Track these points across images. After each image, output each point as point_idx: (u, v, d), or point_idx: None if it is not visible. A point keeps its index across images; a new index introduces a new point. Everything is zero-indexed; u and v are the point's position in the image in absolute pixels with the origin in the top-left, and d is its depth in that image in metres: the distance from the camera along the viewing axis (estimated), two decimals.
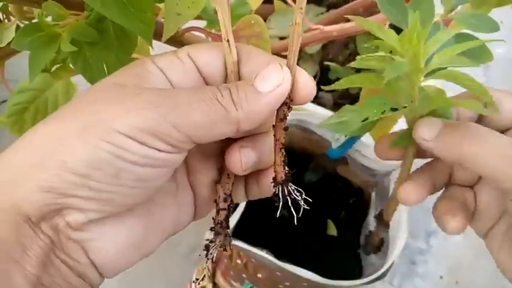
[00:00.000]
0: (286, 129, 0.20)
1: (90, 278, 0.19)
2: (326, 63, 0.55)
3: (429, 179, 0.25)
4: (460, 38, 0.28)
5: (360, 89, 0.40)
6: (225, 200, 0.21)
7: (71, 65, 0.31)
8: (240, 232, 0.48)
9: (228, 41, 0.19)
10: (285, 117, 0.20)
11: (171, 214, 0.22)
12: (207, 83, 0.20)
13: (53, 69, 0.37)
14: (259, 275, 0.51)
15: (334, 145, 0.39)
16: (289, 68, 0.19)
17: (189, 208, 0.22)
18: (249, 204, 0.48)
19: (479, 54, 0.30)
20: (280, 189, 0.20)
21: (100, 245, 0.19)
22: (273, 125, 0.20)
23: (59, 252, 0.18)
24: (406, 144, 0.24)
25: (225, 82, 0.20)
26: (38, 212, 0.17)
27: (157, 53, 0.37)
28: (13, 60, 0.40)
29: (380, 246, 0.28)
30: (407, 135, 0.23)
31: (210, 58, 0.20)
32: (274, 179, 0.20)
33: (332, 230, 0.59)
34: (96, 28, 0.28)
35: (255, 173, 0.22)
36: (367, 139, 0.47)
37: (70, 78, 0.38)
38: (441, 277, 0.72)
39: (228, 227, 0.22)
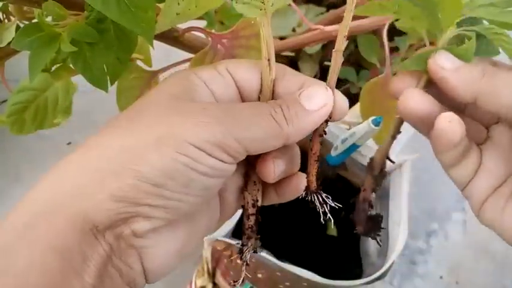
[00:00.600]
0: (321, 143, 0.22)
1: (136, 284, 0.20)
2: (326, 63, 0.55)
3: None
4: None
5: (360, 89, 0.40)
6: (253, 206, 0.23)
7: (71, 65, 0.31)
8: (240, 232, 0.48)
9: (268, 60, 0.21)
10: (324, 133, 0.22)
11: (206, 219, 0.23)
12: (242, 97, 0.22)
13: (53, 69, 0.37)
14: (259, 275, 0.51)
15: (333, 153, 0.39)
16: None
17: (217, 213, 0.24)
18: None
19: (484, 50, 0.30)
20: (315, 197, 0.22)
21: (154, 251, 0.20)
22: (311, 139, 0.22)
23: (115, 260, 0.18)
24: (420, 69, 0.22)
25: (259, 98, 0.22)
26: (107, 220, 0.17)
27: (157, 53, 0.37)
28: (13, 60, 0.40)
29: (378, 225, 0.27)
30: (423, 59, 0.22)
31: (248, 74, 0.22)
32: (308, 187, 0.22)
33: (332, 230, 0.59)
34: (96, 28, 0.28)
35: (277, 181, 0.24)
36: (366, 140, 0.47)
37: (70, 78, 0.38)
38: (441, 277, 0.72)
39: (257, 231, 0.23)
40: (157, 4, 0.30)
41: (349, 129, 0.40)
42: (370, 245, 0.55)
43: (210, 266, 0.60)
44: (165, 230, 0.20)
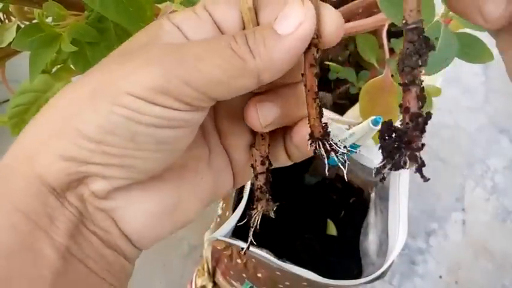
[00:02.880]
0: (318, 75, 0.17)
1: (123, 250, 0.18)
2: (326, 63, 0.55)
3: None
4: (461, 37, 0.27)
5: (359, 89, 0.40)
6: (262, 163, 0.20)
7: (71, 66, 0.31)
8: (240, 232, 0.48)
9: None
10: (315, 61, 0.17)
11: (206, 180, 0.20)
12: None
13: (54, 70, 0.37)
14: (259, 275, 0.51)
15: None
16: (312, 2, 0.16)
17: (227, 174, 0.21)
18: (249, 203, 0.48)
19: (480, 54, 0.29)
20: (320, 145, 0.17)
21: (128, 213, 0.18)
22: (302, 73, 0.17)
23: (88, 223, 0.17)
24: None
25: None
26: (60, 181, 0.16)
27: None
28: (14, 60, 0.40)
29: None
30: None
31: (227, 9, 0.18)
32: (311, 134, 0.17)
33: (332, 230, 0.59)
34: (97, 28, 0.28)
35: (289, 131, 0.20)
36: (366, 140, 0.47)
37: (71, 79, 0.38)
38: (440, 277, 0.72)
39: (269, 192, 0.20)
40: (157, 4, 0.30)
41: (348, 129, 0.40)
42: (370, 244, 0.55)
43: (210, 266, 0.60)
44: (136, 190, 0.18)
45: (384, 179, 0.16)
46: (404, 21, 0.16)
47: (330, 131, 0.18)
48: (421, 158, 0.15)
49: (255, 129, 0.19)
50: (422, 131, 0.16)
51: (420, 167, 0.16)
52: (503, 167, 0.88)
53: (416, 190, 0.82)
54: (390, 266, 0.45)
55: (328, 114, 0.51)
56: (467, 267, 0.73)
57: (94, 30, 0.28)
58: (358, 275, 0.52)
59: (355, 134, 0.35)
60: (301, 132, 0.19)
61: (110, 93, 0.16)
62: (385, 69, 0.38)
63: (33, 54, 0.29)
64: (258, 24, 0.18)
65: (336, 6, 0.53)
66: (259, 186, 0.20)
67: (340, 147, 0.17)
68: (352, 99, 0.56)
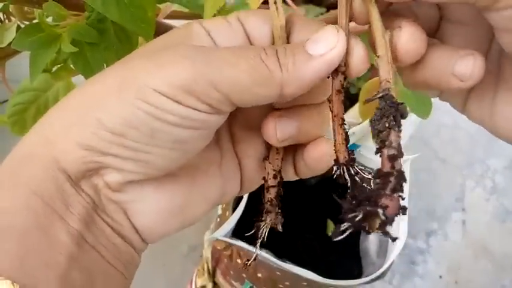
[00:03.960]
0: (349, 100, 0.19)
1: (132, 242, 0.18)
2: None
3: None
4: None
5: (359, 89, 0.40)
6: (274, 177, 0.20)
7: (71, 65, 0.31)
8: (240, 232, 0.48)
9: (275, 2, 0.18)
10: (342, 88, 0.18)
11: (216, 183, 0.20)
12: None
13: (54, 69, 0.37)
14: (259, 275, 0.51)
15: None
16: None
17: (235, 180, 0.21)
18: (249, 203, 0.48)
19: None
20: (344, 170, 0.18)
21: (140, 208, 0.18)
22: (329, 99, 0.18)
23: (101, 213, 0.17)
24: None
25: None
26: (76, 169, 0.16)
27: None
28: (14, 60, 0.40)
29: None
30: None
31: (259, 22, 0.18)
32: (336, 160, 0.18)
33: (332, 230, 0.59)
34: (97, 28, 0.28)
35: (301, 149, 0.20)
36: (366, 141, 0.47)
37: (71, 79, 0.38)
38: (440, 277, 0.72)
39: (278, 205, 0.20)
40: (157, 4, 0.30)
41: (349, 129, 0.40)
42: (370, 244, 0.55)
43: (210, 266, 0.60)
44: (149, 186, 0.18)
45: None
46: (377, 91, 0.17)
47: (355, 157, 0.18)
48: (386, 217, 0.15)
49: (270, 142, 0.19)
50: (395, 190, 0.15)
51: (383, 224, 0.15)
52: (503, 167, 0.88)
53: (416, 190, 0.82)
54: (390, 266, 0.45)
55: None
56: (467, 267, 0.73)
57: (94, 31, 0.28)
58: (358, 275, 0.52)
59: (355, 134, 0.35)
60: (314, 152, 0.20)
61: (136, 88, 0.16)
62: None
63: (33, 54, 0.29)
64: (288, 43, 0.18)
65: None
66: (269, 199, 0.20)
67: (365, 174, 0.17)
68: (352, 99, 0.56)
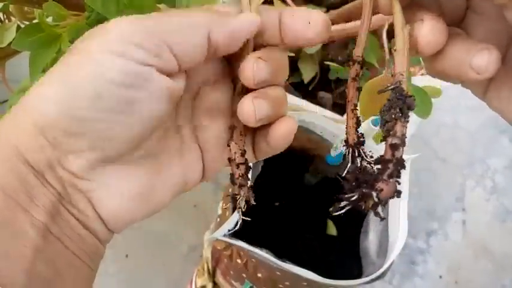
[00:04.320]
0: (358, 89, 0.21)
1: (97, 232, 0.19)
2: (326, 63, 0.55)
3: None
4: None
5: (360, 89, 0.40)
6: (242, 155, 0.21)
7: None
8: (240, 232, 0.48)
9: None
10: (357, 76, 0.20)
11: (178, 171, 0.21)
12: None
13: None
14: (259, 275, 0.51)
15: (333, 153, 0.39)
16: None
17: (197, 168, 0.22)
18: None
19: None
20: (351, 151, 0.20)
21: (104, 195, 0.18)
22: (346, 86, 0.21)
23: (66, 204, 0.18)
24: None
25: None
26: (36, 157, 0.17)
27: None
28: (14, 60, 0.40)
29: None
30: None
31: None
32: (346, 141, 0.20)
33: (332, 230, 0.59)
34: None
35: (263, 129, 0.22)
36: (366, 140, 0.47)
37: None
38: (440, 277, 0.72)
39: (249, 180, 0.21)
40: (157, 5, 0.30)
41: None
42: (370, 244, 0.55)
43: (210, 266, 0.60)
44: (110, 169, 0.18)
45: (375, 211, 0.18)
46: (390, 84, 0.19)
47: (363, 140, 0.20)
48: (378, 199, 0.17)
49: (247, 123, 0.20)
50: (392, 175, 0.17)
51: (375, 205, 0.17)
52: (503, 167, 0.88)
53: (416, 190, 0.82)
54: (390, 266, 0.45)
55: (327, 114, 0.51)
56: (467, 267, 0.73)
57: None
58: (358, 275, 0.52)
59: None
60: (281, 129, 0.21)
61: (81, 53, 0.17)
62: (385, 69, 0.38)
63: (33, 54, 0.29)
64: None
65: (336, 6, 0.53)
66: (240, 175, 0.21)
67: (367, 157, 0.19)
68: None
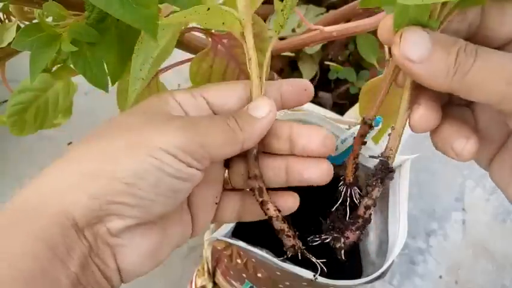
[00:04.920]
0: (364, 143, 0.25)
1: (113, 282, 0.22)
2: (326, 63, 0.55)
3: (432, 99, 0.22)
4: None
5: (359, 89, 0.40)
6: (279, 211, 0.26)
7: (71, 65, 0.31)
8: (240, 232, 0.48)
9: (260, 78, 0.25)
10: (365, 135, 0.24)
11: (179, 229, 0.25)
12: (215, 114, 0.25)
13: (54, 69, 0.37)
14: (259, 275, 0.51)
15: (333, 153, 0.39)
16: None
17: (188, 228, 0.26)
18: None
19: None
20: (345, 189, 0.24)
21: (127, 251, 0.22)
22: (355, 138, 0.25)
23: (94, 257, 0.21)
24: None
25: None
26: (84, 217, 0.20)
27: None
28: (14, 60, 0.40)
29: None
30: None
31: (217, 95, 0.25)
32: (344, 179, 0.25)
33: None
34: (97, 28, 0.28)
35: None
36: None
37: (71, 78, 0.38)
38: (440, 277, 0.72)
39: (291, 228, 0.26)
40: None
41: (348, 129, 0.40)
42: (370, 244, 0.55)
43: (210, 266, 0.60)
44: (137, 230, 0.22)
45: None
46: (380, 153, 0.23)
47: (357, 183, 0.24)
48: (344, 244, 0.24)
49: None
50: (358, 228, 0.23)
51: (338, 250, 0.24)
52: None
53: (416, 190, 0.82)
54: (390, 266, 0.45)
55: (327, 114, 0.51)
56: (467, 267, 0.73)
57: (94, 31, 0.28)
58: (358, 275, 0.52)
59: (355, 134, 0.35)
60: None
61: (146, 146, 0.21)
62: (385, 69, 0.38)
63: (33, 54, 0.29)
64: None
65: (336, 6, 0.53)
66: (288, 228, 0.26)
67: (357, 198, 0.24)
68: (352, 99, 0.56)
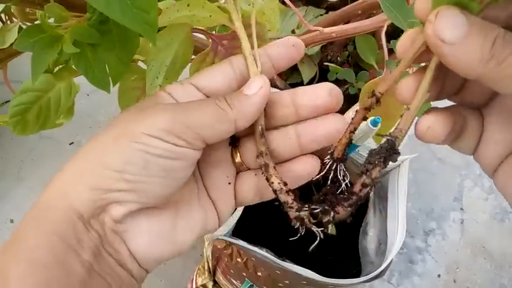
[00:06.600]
0: (365, 118, 0.23)
1: (131, 269, 0.22)
2: (325, 64, 0.56)
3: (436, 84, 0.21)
4: None
5: (359, 90, 0.40)
6: (285, 184, 0.23)
7: (73, 66, 0.32)
8: (240, 231, 0.48)
9: (254, 59, 0.24)
10: (370, 108, 0.22)
11: (197, 213, 0.25)
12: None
13: (56, 70, 0.38)
14: (259, 274, 0.51)
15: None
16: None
17: (212, 212, 0.26)
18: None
19: None
20: (331, 164, 0.22)
21: (136, 234, 0.22)
22: (356, 110, 0.23)
23: (105, 245, 0.22)
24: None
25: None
26: (87, 208, 0.21)
27: None
28: (16, 61, 0.40)
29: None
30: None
31: (207, 80, 0.25)
32: (331, 153, 0.23)
33: (331, 229, 0.59)
34: (98, 30, 0.28)
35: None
36: (366, 139, 0.47)
37: (72, 79, 0.38)
38: (439, 276, 0.73)
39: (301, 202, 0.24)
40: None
41: None
42: (369, 243, 0.55)
43: (210, 265, 0.60)
44: (143, 215, 0.22)
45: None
46: (389, 132, 0.21)
47: (346, 159, 0.23)
48: (332, 219, 0.21)
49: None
50: (351, 205, 0.21)
51: (326, 223, 0.21)
52: None
53: (415, 189, 0.82)
54: (389, 265, 0.45)
55: None
56: (465, 266, 0.73)
57: (95, 32, 0.28)
58: (357, 273, 0.53)
59: (354, 134, 0.35)
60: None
61: (130, 134, 0.21)
62: (384, 70, 0.38)
63: (35, 55, 0.29)
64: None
65: (336, 7, 0.53)
66: (293, 199, 0.23)
67: (341, 177, 0.22)
68: (352, 100, 0.57)
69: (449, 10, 0.17)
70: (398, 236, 0.47)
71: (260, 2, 0.29)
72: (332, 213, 0.21)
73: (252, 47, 0.25)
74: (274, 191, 0.23)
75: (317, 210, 0.21)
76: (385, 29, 0.38)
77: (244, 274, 0.54)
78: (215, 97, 0.23)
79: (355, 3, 0.43)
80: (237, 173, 0.27)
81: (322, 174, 0.22)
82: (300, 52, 0.25)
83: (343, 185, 0.22)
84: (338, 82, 0.56)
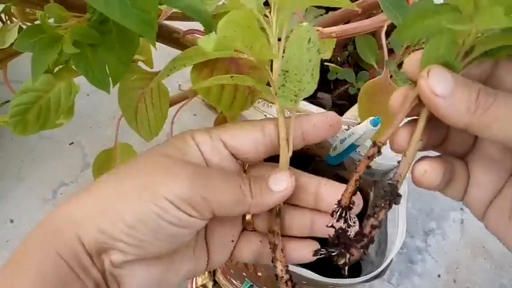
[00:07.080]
0: (369, 167, 0.24)
1: None
2: (325, 64, 0.56)
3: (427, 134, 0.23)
4: None
5: (358, 89, 0.40)
6: (287, 272, 0.26)
7: (73, 66, 0.32)
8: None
9: (287, 140, 0.25)
10: (372, 158, 0.24)
11: (189, 263, 0.27)
12: (236, 157, 0.26)
13: (56, 70, 0.38)
14: (259, 274, 0.51)
15: (332, 153, 0.39)
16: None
17: (204, 261, 0.27)
18: None
19: None
20: (339, 211, 0.24)
21: (130, 280, 0.24)
22: (359, 160, 0.25)
23: (102, 286, 0.23)
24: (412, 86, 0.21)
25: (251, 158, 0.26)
26: (92, 246, 0.22)
27: (159, 55, 0.37)
28: (16, 61, 0.40)
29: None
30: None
31: (235, 139, 0.25)
32: (339, 201, 0.24)
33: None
34: (98, 30, 0.29)
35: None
36: (365, 140, 0.47)
37: (72, 79, 0.38)
38: (439, 276, 0.73)
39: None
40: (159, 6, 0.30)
41: (347, 129, 0.40)
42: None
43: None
44: (138, 264, 0.24)
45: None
46: (389, 178, 0.23)
47: (352, 207, 0.24)
48: (348, 261, 0.23)
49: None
50: (363, 247, 0.23)
51: (343, 265, 0.23)
52: None
53: (414, 189, 0.82)
54: (389, 265, 0.45)
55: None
56: (465, 266, 0.73)
57: (95, 32, 0.28)
58: (357, 273, 0.53)
59: (354, 134, 0.35)
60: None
61: (152, 194, 0.22)
62: (384, 70, 0.38)
63: (35, 56, 0.29)
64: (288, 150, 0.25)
65: (336, 8, 0.53)
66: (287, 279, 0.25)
67: (350, 223, 0.24)
68: (351, 100, 0.57)
69: (438, 67, 0.19)
70: (399, 236, 0.47)
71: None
72: (348, 256, 0.23)
73: (288, 127, 0.25)
74: (276, 276, 0.25)
75: (334, 254, 0.23)
76: (385, 29, 0.38)
77: (244, 274, 0.54)
78: (241, 177, 0.24)
79: (355, 3, 0.43)
80: (242, 229, 0.28)
81: (333, 222, 0.24)
82: (336, 132, 0.25)
83: (353, 230, 0.24)
84: (338, 82, 0.56)
